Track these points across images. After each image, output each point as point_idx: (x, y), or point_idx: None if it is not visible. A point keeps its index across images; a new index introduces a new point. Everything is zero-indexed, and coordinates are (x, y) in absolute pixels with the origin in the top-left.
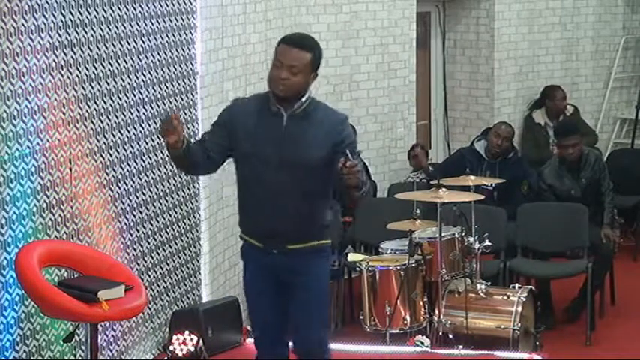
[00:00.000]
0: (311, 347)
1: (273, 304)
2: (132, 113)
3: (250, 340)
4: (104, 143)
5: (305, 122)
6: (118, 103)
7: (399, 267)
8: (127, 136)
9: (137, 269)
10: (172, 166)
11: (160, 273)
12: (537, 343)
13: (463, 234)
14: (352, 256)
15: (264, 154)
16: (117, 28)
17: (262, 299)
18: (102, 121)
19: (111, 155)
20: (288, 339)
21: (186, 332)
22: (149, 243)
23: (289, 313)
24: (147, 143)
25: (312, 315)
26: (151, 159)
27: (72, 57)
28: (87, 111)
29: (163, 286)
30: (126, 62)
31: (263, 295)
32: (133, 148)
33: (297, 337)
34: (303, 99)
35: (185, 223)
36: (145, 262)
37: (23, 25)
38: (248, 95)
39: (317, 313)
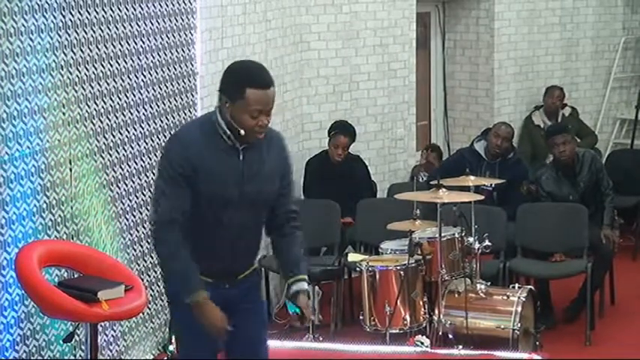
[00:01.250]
0: None
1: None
2: (132, 113)
3: None
4: (104, 143)
5: (258, 152)
6: (118, 104)
7: (398, 267)
8: (126, 136)
9: (137, 269)
10: None
11: (160, 273)
12: (537, 343)
13: (463, 234)
14: (352, 256)
15: (227, 195)
16: (117, 28)
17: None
18: (102, 121)
19: (111, 155)
20: None
21: None
22: (149, 243)
23: (236, 338)
24: (147, 143)
25: (262, 337)
26: (150, 159)
27: (72, 57)
28: (87, 111)
29: (163, 286)
30: (126, 62)
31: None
32: (132, 148)
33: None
34: None
35: None
36: (145, 262)
37: (23, 25)
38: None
39: (265, 335)
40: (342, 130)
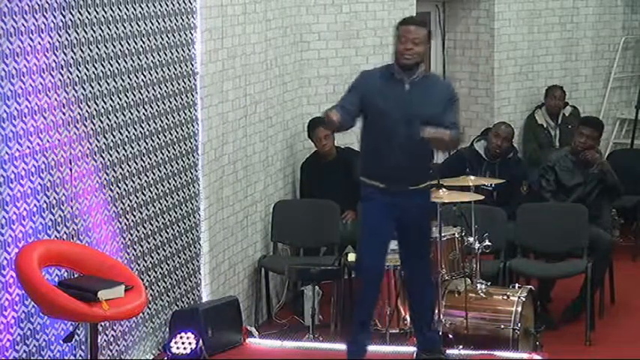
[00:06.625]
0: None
1: (388, 233)
2: (132, 113)
3: (250, 340)
4: (104, 143)
5: (422, 85)
6: (118, 103)
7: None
8: (126, 136)
9: (137, 269)
10: (172, 166)
11: (160, 273)
12: (537, 343)
13: (463, 234)
14: (352, 256)
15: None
16: (117, 28)
17: (379, 229)
18: (102, 121)
19: (111, 155)
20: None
21: (187, 332)
22: (149, 243)
23: (403, 244)
24: (147, 143)
25: (424, 246)
26: (150, 159)
27: (72, 57)
28: (87, 111)
29: (163, 286)
30: (126, 62)
31: (380, 225)
32: (133, 148)
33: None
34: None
35: (185, 223)
36: (145, 262)
37: (23, 25)
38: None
39: (427, 245)
40: (317, 123)
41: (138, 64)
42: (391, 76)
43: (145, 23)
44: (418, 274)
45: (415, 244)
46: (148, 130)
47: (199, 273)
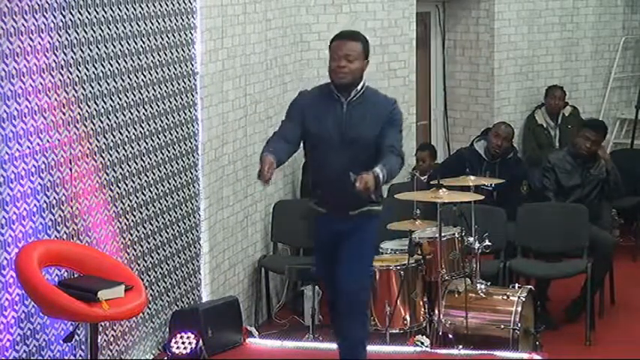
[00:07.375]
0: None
1: (333, 258)
2: (132, 113)
3: (250, 340)
4: (104, 143)
5: (361, 105)
6: (118, 103)
7: (398, 267)
8: (127, 136)
9: (137, 269)
10: (172, 166)
11: (160, 273)
12: (537, 343)
13: (463, 234)
14: None
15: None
16: (117, 28)
17: (326, 255)
18: (102, 121)
19: (111, 155)
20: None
21: (186, 332)
22: (149, 243)
23: (338, 262)
24: (147, 143)
25: (356, 264)
26: (150, 159)
27: (72, 57)
28: (87, 111)
29: (163, 286)
30: (126, 62)
31: (326, 251)
32: (133, 148)
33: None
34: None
35: (185, 223)
36: (145, 262)
37: (23, 25)
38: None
39: (361, 270)
40: None
41: (138, 64)
42: (328, 96)
43: (145, 23)
44: (345, 304)
45: (348, 261)
46: (148, 130)
47: (199, 273)
